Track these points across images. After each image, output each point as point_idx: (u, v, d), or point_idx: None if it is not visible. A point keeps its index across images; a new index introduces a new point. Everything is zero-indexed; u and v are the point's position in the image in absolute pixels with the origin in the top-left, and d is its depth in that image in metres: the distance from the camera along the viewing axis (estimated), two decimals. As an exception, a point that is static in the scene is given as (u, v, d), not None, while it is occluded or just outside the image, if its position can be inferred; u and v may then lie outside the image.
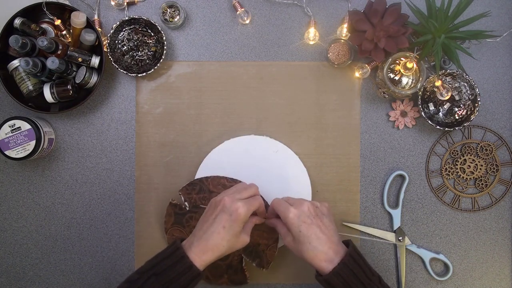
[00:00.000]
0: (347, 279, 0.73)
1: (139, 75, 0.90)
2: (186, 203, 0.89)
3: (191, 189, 0.89)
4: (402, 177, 0.94)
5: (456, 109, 0.92)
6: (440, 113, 0.93)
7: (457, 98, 0.92)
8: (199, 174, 0.92)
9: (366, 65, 0.91)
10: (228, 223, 0.75)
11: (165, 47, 0.90)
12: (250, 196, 0.80)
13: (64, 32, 0.90)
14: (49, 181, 0.94)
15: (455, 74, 0.90)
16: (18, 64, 0.88)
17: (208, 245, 0.74)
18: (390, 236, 0.93)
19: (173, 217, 0.90)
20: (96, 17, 0.93)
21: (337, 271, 0.73)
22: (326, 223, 0.77)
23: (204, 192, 0.88)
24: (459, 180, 0.94)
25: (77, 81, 0.90)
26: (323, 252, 0.75)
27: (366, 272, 0.75)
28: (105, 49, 0.90)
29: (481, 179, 0.94)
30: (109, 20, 0.95)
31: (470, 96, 0.91)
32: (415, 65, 0.88)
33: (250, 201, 0.78)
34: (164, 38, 0.90)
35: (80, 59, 0.88)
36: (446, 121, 0.92)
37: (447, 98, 0.87)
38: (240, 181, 0.89)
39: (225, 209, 0.76)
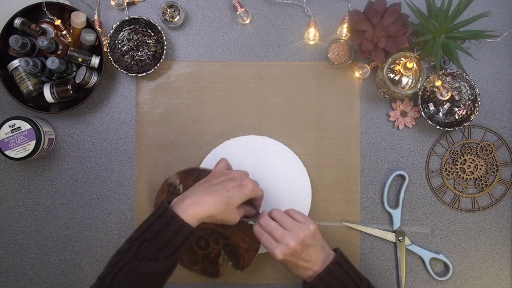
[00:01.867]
0: (331, 284, 0.74)
1: (139, 75, 0.90)
2: (180, 186, 0.88)
3: (189, 174, 0.88)
4: (402, 177, 0.94)
5: (456, 109, 0.92)
6: (440, 113, 0.93)
7: (457, 98, 0.92)
8: (199, 174, 0.92)
9: (366, 65, 0.91)
10: (233, 190, 0.75)
11: (165, 47, 0.90)
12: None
13: (64, 32, 0.90)
14: (49, 181, 0.94)
15: (455, 74, 0.90)
16: (18, 64, 0.88)
17: (207, 199, 0.73)
18: (390, 236, 0.93)
19: (165, 194, 0.89)
20: (96, 17, 0.93)
21: (321, 276, 0.74)
22: (312, 252, 0.76)
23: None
24: (459, 180, 0.94)
25: (77, 81, 0.90)
26: (310, 270, 0.76)
27: (353, 278, 0.76)
28: (105, 49, 0.90)
29: (481, 179, 0.94)
30: (109, 20, 0.95)
31: (470, 96, 0.91)
32: (415, 65, 0.88)
33: (257, 187, 0.79)
34: (164, 38, 0.90)
35: (80, 59, 0.88)
36: (446, 121, 0.92)
37: (447, 98, 0.87)
38: None
39: (234, 179, 0.77)
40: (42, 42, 0.82)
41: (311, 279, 0.77)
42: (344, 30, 0.92)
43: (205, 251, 0.88)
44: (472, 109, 0.90)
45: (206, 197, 0.73)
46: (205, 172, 0.88)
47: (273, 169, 0.92)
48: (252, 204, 0.83)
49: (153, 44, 0.93)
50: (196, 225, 0.72)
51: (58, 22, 0.89)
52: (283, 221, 0.77)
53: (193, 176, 0.88)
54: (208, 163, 0.92)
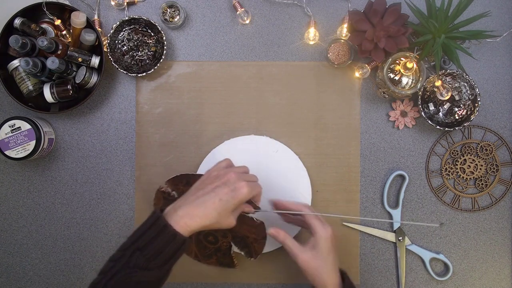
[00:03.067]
0: None
1: (139, 75, 0.90)
2: (174, 192, 0.89)
3: (178, 181, 0.88)
4: (402, 177, 0.94)
5: (456, 109, 0.92)
6: (440, 113, 0.93)
7: (457, 98, 0.92)
8: (199, 174, 0.92)
9: (366, 65, 0.91)
10: (226, 197, 0.72)
11: (165, 47, 0.90)
12: (253, 181, 0.78)
13: (64, 32, 0.90)
14: (49, 181, 0.94)
15: (455, 74, 0.90)
16: (18, 64, 0.88)
17: (198, 211, 0.71)
18: (390, 236, 0.93)
19: (162, 201, 0.89)
20: (96, 17, 0.93)
21: None
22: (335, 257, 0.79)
23: (191, 185, 0.88)
24: (459, 180, 0.94)
25: (77, 81, 0.90)
26: (336, 275, 0.77)
27: None
28: (105, 49, 0.90)
29: (481, 179, 0.94)
30: (109, 20, 0.95)
31: (470, 96, 0.91)
32: (415, 65, 0.88)
33: (253, 184, 0.76)
34: (164, 38, 0.90)
35: (80, 59, 0.88)
36: (446, 121, 0.92)
37: (447, 98, 0.87)
38: None
39: (228, 183, 0.74)
40: (42, 42, 0.82)
41: None
42: (344, 30, 0.92)
43: (215, 245, 0.89)
44: (472, 109, 0.90)
45: (197, 209, 0.71)
46: (194, 177, 0.88)
47: (273, 169, 0.92)
48: (250, 201, 0.82)
49: (153, 44, 0.93)
50: (188, 235, 0.71)
51: (58, 22, 0.89)
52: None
53: (183, 182, 0.88)
54: (208, 163, 0.92)
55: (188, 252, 0.91)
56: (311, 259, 0.77)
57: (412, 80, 0.91)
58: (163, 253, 0.69)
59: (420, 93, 0.90)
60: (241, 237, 0.87)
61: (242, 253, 0.88)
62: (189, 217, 0.71)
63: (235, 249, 0.89)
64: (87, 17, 0.88)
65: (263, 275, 0.94)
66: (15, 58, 0.89)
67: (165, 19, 0.92)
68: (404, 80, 0.91)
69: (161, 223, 0.70)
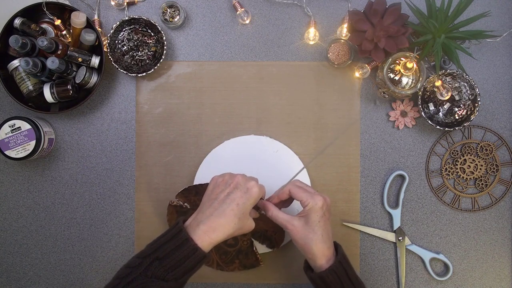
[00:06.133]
0: (341, 277, 0.76)
1: (139, 75, 0.90)
2: (186, 204, 0.89)
3: (188, 193, 0.89)
4: (402, 177, 0.94)
5: (456, 109, 0.92)
6: (440, 113, 0.93)
7: (457, 98, 0.92)
8: (199, 174, 0.92)
9: (366, 65, 0.91)
10: (242, 200, 0.73)
11: (165, 47, 0.90)
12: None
13: (64, 32, 0.90)
14: (49, 181, 0.94)
15: (455, 74, 0.90)
16: (18, 64, 0.88)
17: (220, 222, 0.72)
18: (390, 236, 0.93)
19: (175, 215, 0.90)
20: (96, 17, 0.93)
21: (333, 268, 0.75)
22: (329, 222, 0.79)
23: (201, 195, 0.88)
24: (459, 180, 0.94)
25: (77, 81, 0.90)
26: (327, 247, 0.77)
27: (352, 279, 0.77)
28: (105, 49, 0.90)
29: (481, 179, 0.94)
30: (109, 20, 0.95)
31: (470, 96, 0.91)
32: (415, 65, 0.88)
33: (259, 184, 0.77)
34: (164, 38, 0.90)
35: (80, 59, 0.88)
36: (446, 121, 0.92)
37: (447, 98, 0.87)
38: None
39: (239, 186, 0.75)
40: (42, 42, 0.82)
41: (324, 262, 0.76)
42: (344, 30, 0.92)
43: (236, 247, 0.89)
44: (472, 109, 0.90)
45: (219, 220, 0.72)
46: (202, 186, 0.88)
47: (273, 169, 0.92)
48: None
49: (153, 44, 0.93)
50: (210, 249, 0.72)
51: (58, 22, 0.89)
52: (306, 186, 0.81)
53: (192, 193, 0.89)
54: (208, 163, 0.92)
55: (210, 263, 0.91)
56: (300, 228, 0.77)
57: (412, 80, 0.91)
58: (182, 266, 0.69)
59: (420, 93, 0.90)
60: (261, 231, 0.88)
61: (264, 245, 0.89)
62: (212, 231, 0.71)
63: (256, 243, 0.89)
64: (87, 17, 0.88)
65: (263, 275, 0.94)
66: (15, 58, 0.89)
67: (165, 19, 0.92)
68: (404, 80, 0.91)
69: (183, 236, 0.70)
